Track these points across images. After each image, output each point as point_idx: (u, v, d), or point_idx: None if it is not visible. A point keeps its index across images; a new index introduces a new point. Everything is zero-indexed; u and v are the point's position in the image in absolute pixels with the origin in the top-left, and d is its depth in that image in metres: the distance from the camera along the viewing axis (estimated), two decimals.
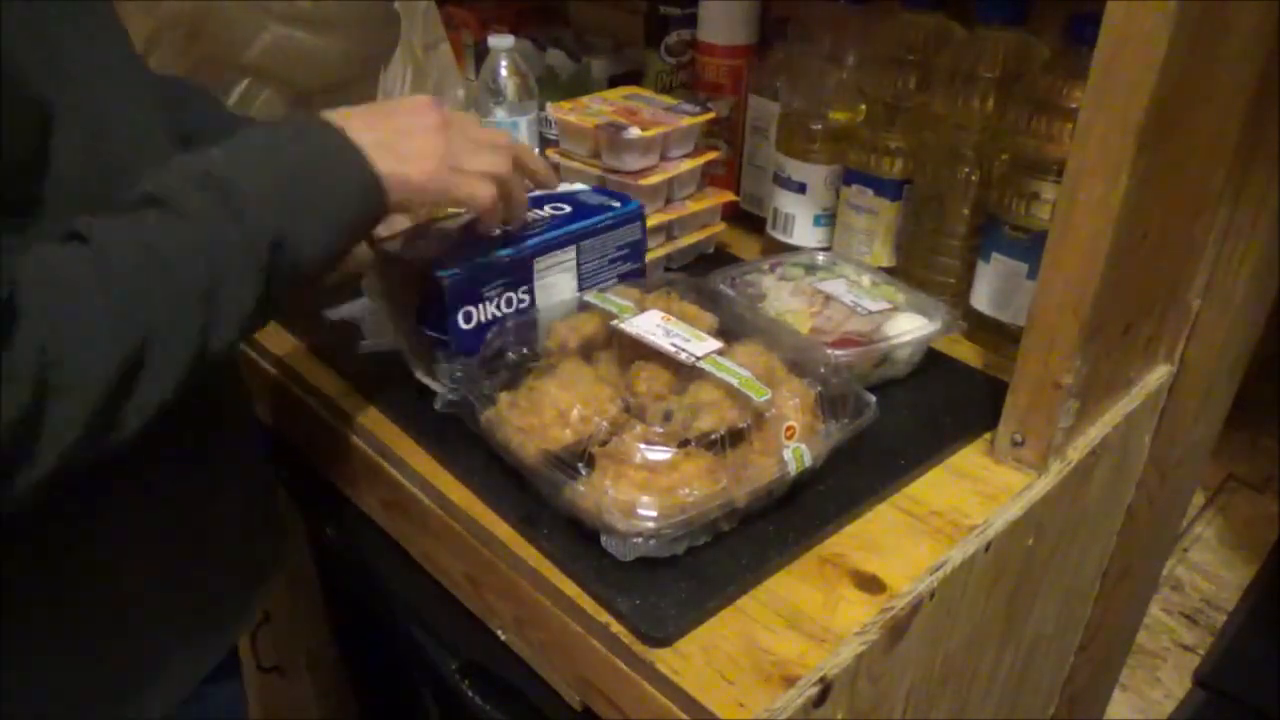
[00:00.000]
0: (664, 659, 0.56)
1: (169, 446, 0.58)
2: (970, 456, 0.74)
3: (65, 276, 0.45)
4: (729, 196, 1.03)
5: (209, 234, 0.49)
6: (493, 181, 0.64)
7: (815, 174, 0.95)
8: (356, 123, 0.57)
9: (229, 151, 0.53)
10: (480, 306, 0.72)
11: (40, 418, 0.43)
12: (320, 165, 0.55)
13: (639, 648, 0.57)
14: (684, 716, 0.55)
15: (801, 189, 0.96)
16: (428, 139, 0.60)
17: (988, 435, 0.74)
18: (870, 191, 0.91)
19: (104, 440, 0.46)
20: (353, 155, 0.56)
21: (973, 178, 0.85)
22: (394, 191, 0.58)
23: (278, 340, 0.87)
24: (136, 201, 0.50)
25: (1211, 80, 0.66)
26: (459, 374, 0.70)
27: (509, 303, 0.74)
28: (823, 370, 0.69)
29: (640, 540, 0.59)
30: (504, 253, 0.73)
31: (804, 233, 0.99)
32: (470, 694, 0.78)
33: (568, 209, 0.80)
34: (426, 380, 0.78)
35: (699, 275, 0.86)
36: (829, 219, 0.97)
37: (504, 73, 1.00)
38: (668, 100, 1.00)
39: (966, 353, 0.86)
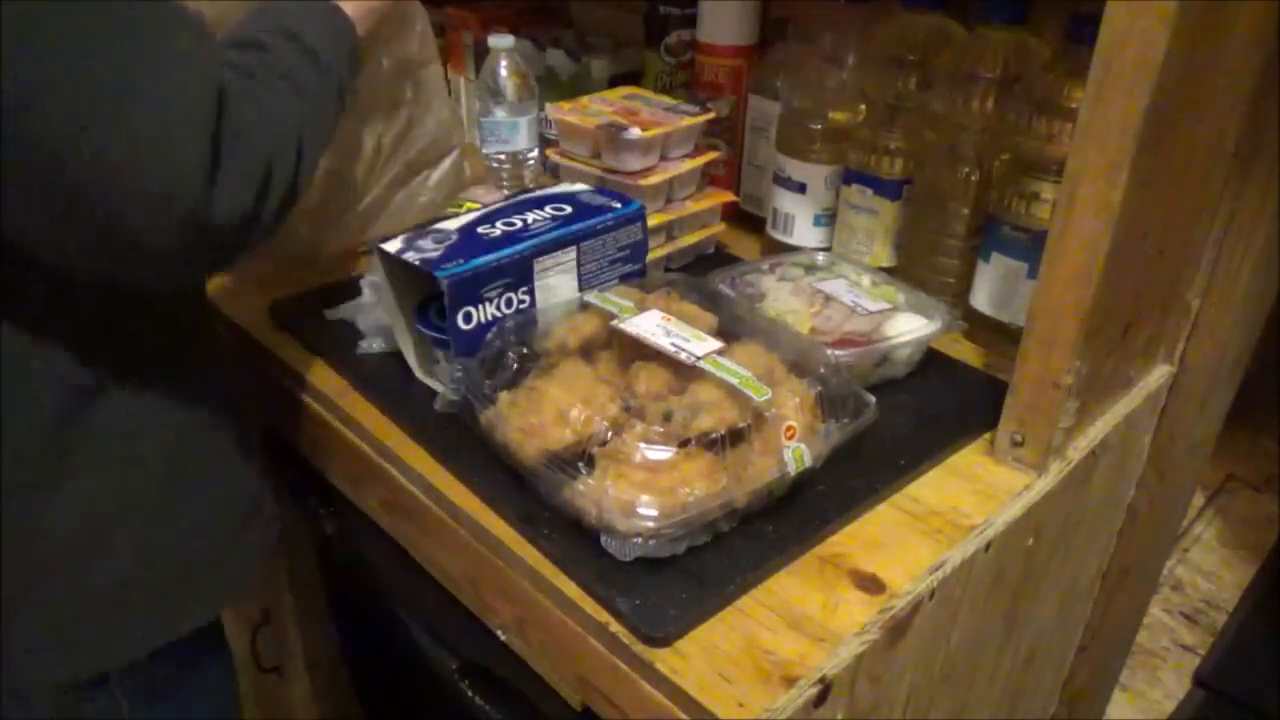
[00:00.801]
0: (664, 659, 0.56)
1: (144, 411, 0.65)
2: (970, 456, 0.74)
3: (263, 73, 0.59)
4: (729, 196, 1.03)
5: (313, 69, 0.63)
6: None
7: (815, 174, 0.95)
8: None
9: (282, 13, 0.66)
10: (480, 307, 0.72)
11: (269, 178, 0.56)
12: (335, 24, 0.68)
13: (639, 648, 0.57)
14: (684, 716, 0.55)
15: (801, 189, 0.96)
16: None
17: (988, 435, 0.74)
18: (870, 191, 0.91)
19: (291, 201, 0.59)
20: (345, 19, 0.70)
21: (973, 178, 0.85)
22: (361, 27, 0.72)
23: (278, 340, 0.87)
24: (249, 41, 0.62)
25: (1212, 80, 0.66)
26: (459, 374, 0.70)
27: (509, 303, 0.74)
28: (823, 370, 0.69)
29: (640, 540, 0.59)
30: (504, 253, 0.73)
31: (804, 233, 0.99)
32: (470, 694, 0.78)
33: (568, 209, 0.80)
34: (426, 380, 0.78)
35: (699, 275, 0.86)
36: (829, 219, 0.97)
37: (504, 72, 1.01)
38: (668, 100, 1.00)
39: (966, 353, 0.86)
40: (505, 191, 1.05)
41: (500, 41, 1.00)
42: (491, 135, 1.02)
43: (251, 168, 0.54)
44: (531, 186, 1.05)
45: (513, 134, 1.03)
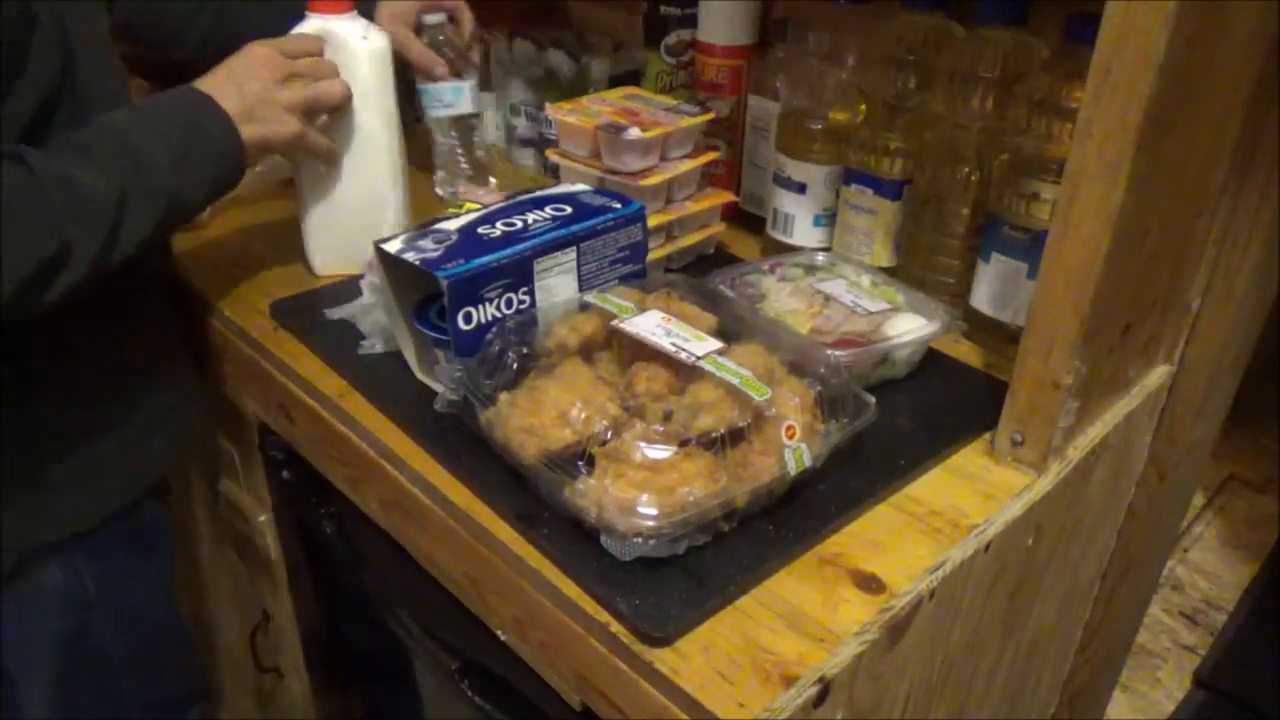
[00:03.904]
0: (664, 659, 0.56)
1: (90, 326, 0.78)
2: (970, 456, 0.74)
3: (4, 184, 0.63)
4: (729, 196, 1.03)
5: (121, 181, 0.69)
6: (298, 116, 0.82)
7: (815, 174, 0.95)
8: (222, 91, 0.77)
9: (136, 120, 0.72)
10: (480, 307, 0.72)
11: (17, 268, 0.63)
12: (202, 139, 0.75)
13: (639, 647, 0.57)
14: (683, 716, 0.55)
15: (801, 189, 0.96)
16: (279, 100, 0.79)
17: (988, 435, 0.74)
18: (870, 191, 0.91)
19: (29, 306, 0.66)
20: (227, 131, 0.76)
21: (973, 178, 0.85)
22: (252, 154, 0.79)
23: (278, 340, 0.87)
24: (65, 145, 0.68)
25: (1211, 80, 0.66)
26: (459, 374, 0.70)
27: (509, 304, 0.74)
28: (823, 370, 0.69)
29: (640, 540, 0.59)
30: (504, 253, 0.73)
31: (804, 233, 0.99)
32: (470, 694, 0.78)
33: (568, 210, 0.80)
34: (426, 380, 0.78)
35: (699, 275, 0.86)
36: (829, 219, 0.97)
37: (442, 38, 1.01)
38: (667, 100, 1.00)
39: (966, 353, 0.86)
40: (462, 163, 1.08)
41: (433, 19, 1.00)
42: (436, 101, 1.02)
43: None
44: (482, 156, 1.10)
45: (456, 97, 1.03)
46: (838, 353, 0.74)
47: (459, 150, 1.07)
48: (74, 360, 0.79)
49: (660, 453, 0.61)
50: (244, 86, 0.77)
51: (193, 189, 0.75)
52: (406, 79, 1.04)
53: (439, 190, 1.10)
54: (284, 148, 0.83)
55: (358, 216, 0.92)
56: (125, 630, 0.91)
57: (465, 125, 1.06)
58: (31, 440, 0.78)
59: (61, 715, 0.90)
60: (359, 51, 0.86)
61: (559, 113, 0.96)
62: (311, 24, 0.86)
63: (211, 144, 0.76)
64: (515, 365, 0.70)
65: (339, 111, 0.86)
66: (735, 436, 0.62)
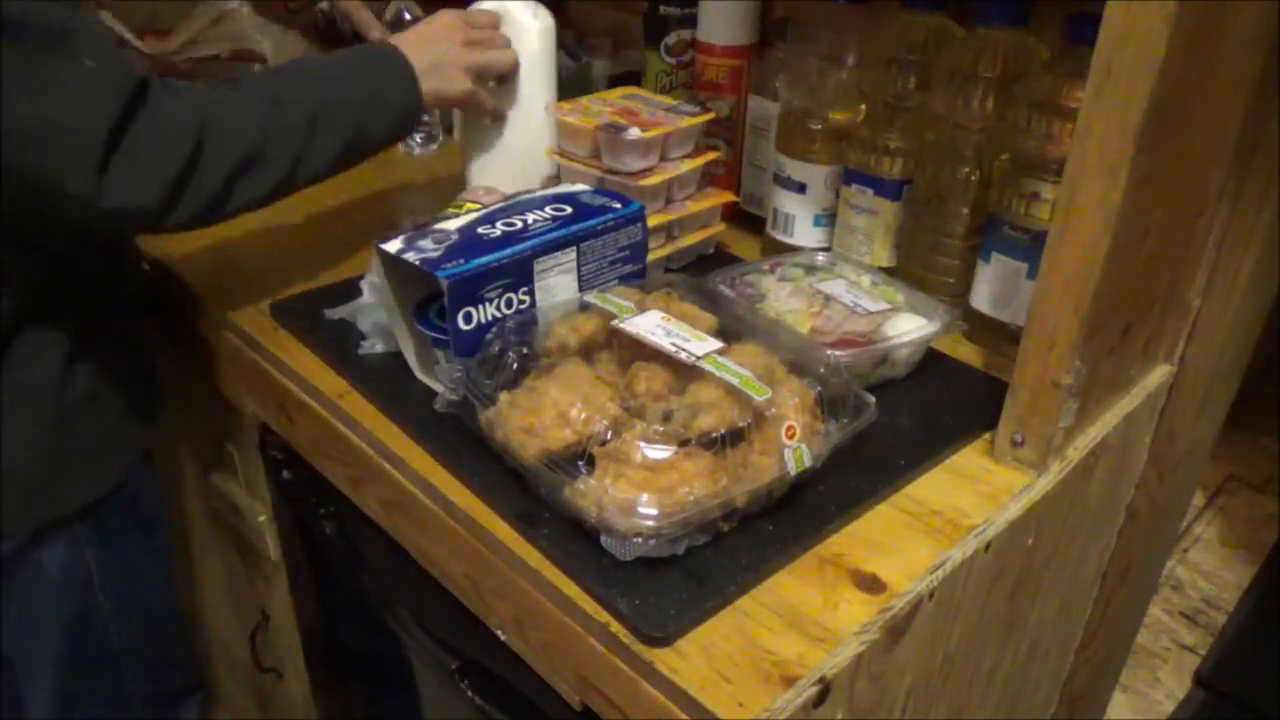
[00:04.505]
0: (664, 659, 0.56)
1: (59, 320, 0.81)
2: (970, 456, 0.74)
3: (222, 96, 0.74)
4: (729, 196, 1.03)
5: (318, 103, 0.79)
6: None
7: (815, 174, 0.95)
8: (410, 48, 0.87)
9: (336, 62, 0.86)
10: (480, 307, 0.72)
11: (193, 171, 0.70)
12: (390, 84, 0.85)
13: (639, 647, 0.57)
14: (683, 716, 0.55)
15: (801, 189, 0.96)
16: (457, 62, 0.90)
17: (988, 435, 0.74)
18: (870, 191, 0.91)
19: (219, 208, 0.74)
20: (410, 80, 0.86)
21: (973, 178, 0.85)
22: (429, 103, 0.88)
23: (278, 340, 0.87)
24: (270, 71, 0.88)
25: (1211, 80, 0.66)
26: (459, 374, 0.70)
27: (509, 304, 0.74)
28: (823, 370, 0.69)
29: (640, 540, 0.59)
30: (504, 253, 0.73)
31: (804, 233, 0.99)
32: (470, 694, 0.78)
33: (568, 210, 0.80)
34: (426, 380, 0.78)
35: (699, 275, 0.86)
36: (829, 219, 0.97)
37: (407, 16, 1.17)
38: (667, 100, 1.00)
39: (966, 353, 0.86)
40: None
41: None
42: None
43: (153, 167, 0.68)
44: (429, 122, 1.27)
45: None
46: (838, 353, 0.74)
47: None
48: (73, 336, 0.82)
49: (660, 453, 0.61)
50: (429, 47, 0.88)
51: (376, 124, 0.84)
52: None
53: (401, 148, 1.27)
54: (455, 104, 0.94)
55: (515, 165, 1.02)
56: (127, 614, 0.93)
57: None
58: (42, 417, 0.81)
59: (64, 707, 0.91)
60: (530, 28, 0.97)
61: (559, 113, 0.96)
62: (489, 2, 0.97)
63: (396, 90, 0.85)
64: (515, 365, 0.70)
65: (507, 78, 0.98)
66: (735, 436, 0.62)
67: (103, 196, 0.66)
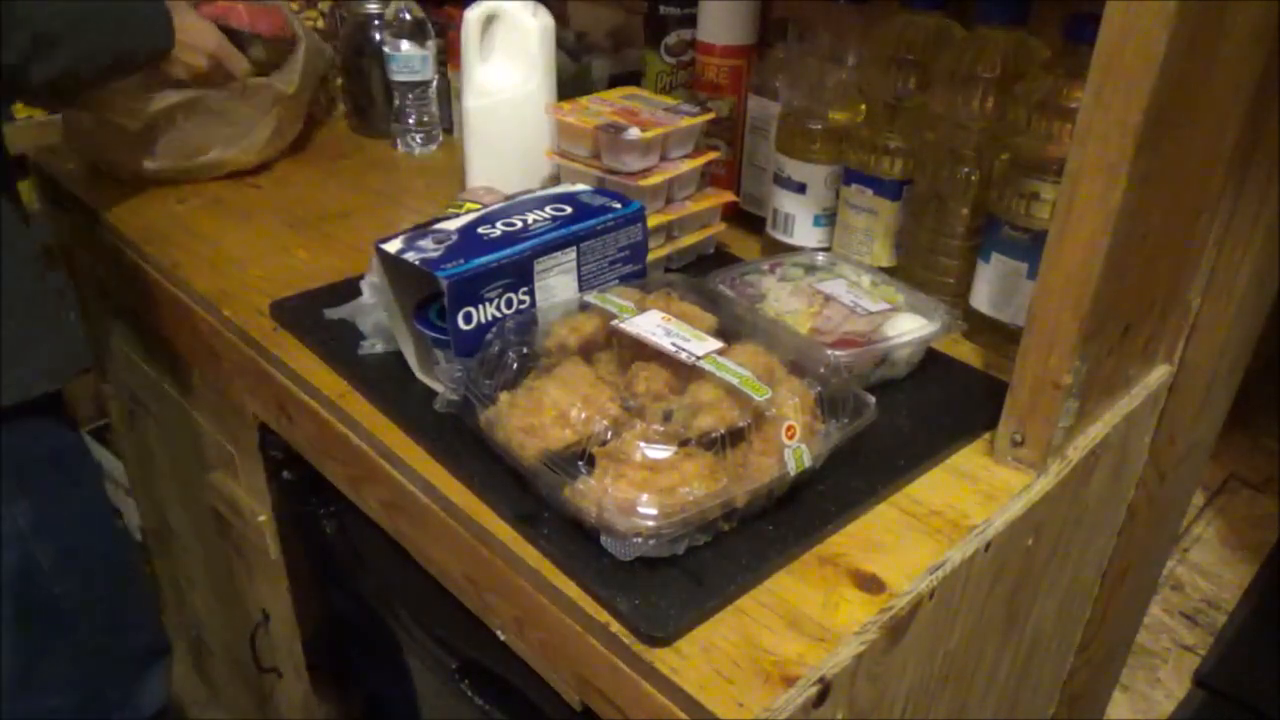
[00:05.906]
0: (664, 659, 0.56)
1: None
2: (970, 456, 0.74)
3: None
4: (729, 196, 1.03)
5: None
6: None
7: (815, 174, 0.95)
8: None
9: None
10: (480, 307, 0.72)
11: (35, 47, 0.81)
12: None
13: (639, 647, 0.57)
14: (683, 716, 0.55)
15: (801, 189, 0.96)
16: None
17: (988, 435, 0.74)
18: (870, 191, 0.92)
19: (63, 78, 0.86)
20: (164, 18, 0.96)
21: (973, 178, 0.85)
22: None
23: (278, 340, 0.87)
24: None
25: (1211, 79, 0.66)
26: (459, 374, 0.70)
27: (509, 304, 0.74)
28: (822, 370, 0.69)
29: (640, 540, 0.59)
30: (504, 253, 0.73)
31: (804, 233, 0.99)
32: (470, 694, 0.78)
33: (568, 210, 0.80)
34: (426, 380, 0.78)
35: (699, 275, 0.86)
36: (829, 219, 0.98)
37: (407, 16, 1.19)
38: (667, 100, 1.00)
39: (966, 353, 0.86)
40: (410, 120, 1.26)
41: None
42: (404, 67, 1.21)
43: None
44: (429, 122, 1.27)
45: (423, 66, 1.21)
46: (838, 353, 0.74)
47: (410, 109, 1.25)
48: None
49: (660, 453, 0.61)
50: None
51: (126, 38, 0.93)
52: (376, 44, 1.25)
53: (401, 148, 1.28)
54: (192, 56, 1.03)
55: (515, 166, 1.04)
56: (71, 571, 0.94)
57: (422, 89, 1.24)
58: None
59: (25, 669, 0.92)
60: (530, 28, 0.98)
61: (559, 113, 0.96)
62: (482, 6, 0.96)
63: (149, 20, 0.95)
64: (515, 365, 0.70)
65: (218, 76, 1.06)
66: (735, 436, 0.62)
67: None
